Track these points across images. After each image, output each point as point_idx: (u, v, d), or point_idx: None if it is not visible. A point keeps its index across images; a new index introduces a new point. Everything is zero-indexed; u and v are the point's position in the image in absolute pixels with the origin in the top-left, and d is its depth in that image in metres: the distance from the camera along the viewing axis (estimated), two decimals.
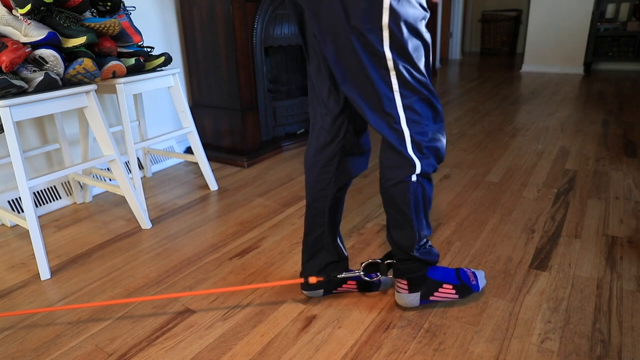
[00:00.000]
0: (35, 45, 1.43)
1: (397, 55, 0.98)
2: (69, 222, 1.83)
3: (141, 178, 2.29)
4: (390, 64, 0.98)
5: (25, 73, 1.42)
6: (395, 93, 1.01)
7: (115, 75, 1.72)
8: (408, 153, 1.05)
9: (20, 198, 1.78)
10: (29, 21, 1.44)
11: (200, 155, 2.06)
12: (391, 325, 1.16)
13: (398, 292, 1.19)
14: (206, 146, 2.58)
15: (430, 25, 4.87)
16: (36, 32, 1.42)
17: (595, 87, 4.07)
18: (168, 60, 1.89)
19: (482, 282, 1.23)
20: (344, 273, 1.23)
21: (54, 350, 1.13)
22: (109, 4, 1.75)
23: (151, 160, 2.38)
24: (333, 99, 1.12)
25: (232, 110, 2.37)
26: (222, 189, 2.12)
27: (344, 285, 1.28)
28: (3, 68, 1.36)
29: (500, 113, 3.29)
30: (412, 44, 0.98)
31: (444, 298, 1.20)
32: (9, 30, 1.45)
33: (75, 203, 2.01)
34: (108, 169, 2.15)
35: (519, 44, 6.88)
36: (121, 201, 2.01)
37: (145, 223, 1.76)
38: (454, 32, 6.34)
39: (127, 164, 2.21)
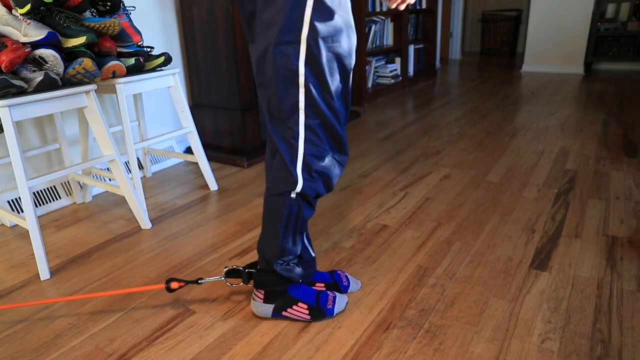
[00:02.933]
0: (35, 45, 1.43)
1: (311, 73, 0.96)
2: (69, 222, 1.83)
3: (141, 178, 2.29)
4: (301, 80, 0.96)
5: (25, 73, 1.42)
6: (300, 111, 0.99)
7: (115, 75, 1.72)
8: (295, 170, 1.03)
9: (20, 198, 1.78)
10: (28, 21, 1.43)
11: (200, 155, 2.06)
12: (391, 326, 1.16)
13: (253, 299, 1.19)
14: (206, 146, 2.58)
15: (430, 25, 4.86)
16: (36, 32, 1.42)
17: (595, 87, 4.07)
18: (168, 60, 1.89)
19: (338, 308, 1.20)
20: (206, 278, 1.20)
21: (53, 350, 1.13)
22: (108, 3, 1.75)
23: (151, 160, 2.38)
24: None
25: (232, 110, 2.37)
26: (222, 189, 2.12)
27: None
28: (3, 68, 1.35)
29: (500, 113, 3.29)
30: (329, 64, 0.96)
31: (296, 316, 1.18)
32: (8, 30, 1.45)
33: (75, 203, 2.01)
34: (108, 169, 2.14)
35: (519, 44, 6.88)
36: (121, 201, 2.01)
37: (145, 223, 1.75)
38: (454, 32, 6.34)
39: (127, 164, 2.21)
